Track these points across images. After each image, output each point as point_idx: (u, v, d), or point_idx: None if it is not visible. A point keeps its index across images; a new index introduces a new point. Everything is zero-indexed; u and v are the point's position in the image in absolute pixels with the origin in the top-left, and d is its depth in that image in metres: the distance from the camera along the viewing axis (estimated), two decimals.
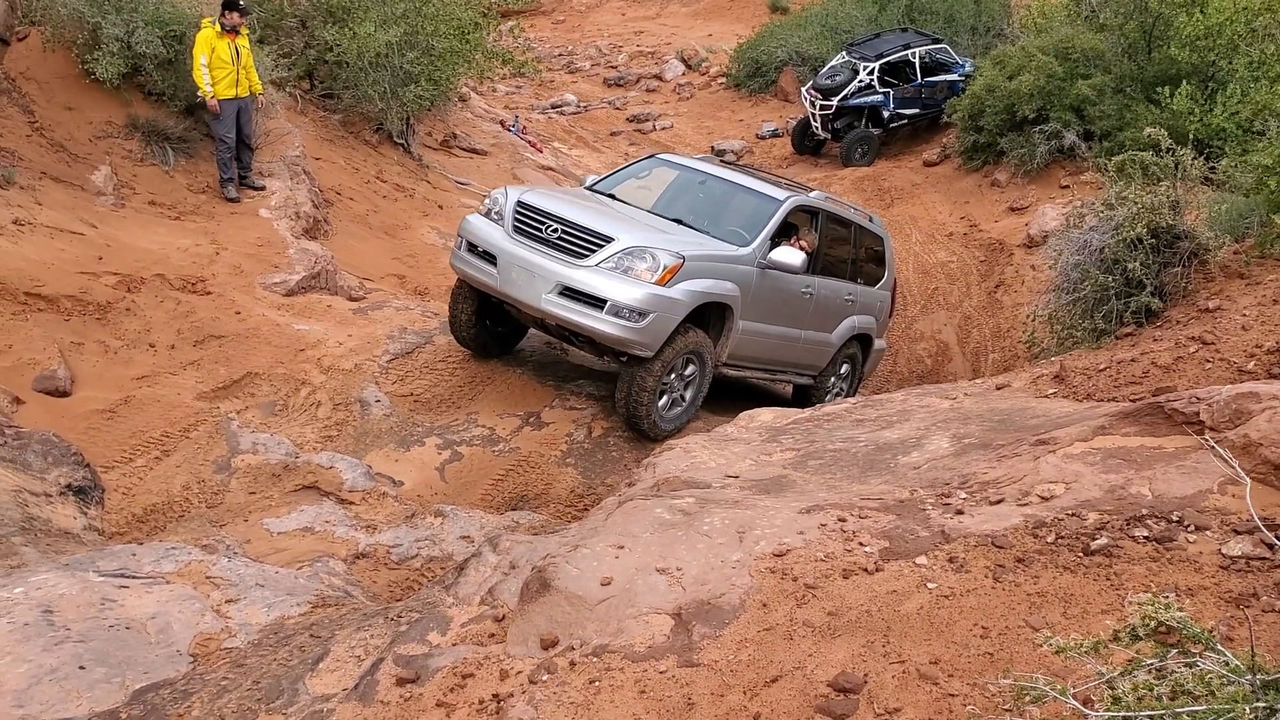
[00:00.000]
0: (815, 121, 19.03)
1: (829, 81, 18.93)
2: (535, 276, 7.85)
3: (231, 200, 10.95)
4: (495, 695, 3.73)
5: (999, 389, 6.07)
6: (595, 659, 3.69)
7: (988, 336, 12.99)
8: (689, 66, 25.83)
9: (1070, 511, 3.84)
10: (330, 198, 12.68)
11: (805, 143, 19.74)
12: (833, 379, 10.25)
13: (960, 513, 4.05)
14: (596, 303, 7.62)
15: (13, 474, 6.09)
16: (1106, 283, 6.82)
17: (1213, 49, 11.69)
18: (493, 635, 4.30)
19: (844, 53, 19.50)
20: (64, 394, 7.44)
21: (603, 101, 24.09)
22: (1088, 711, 2.23)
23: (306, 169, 12.24)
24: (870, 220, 10.43)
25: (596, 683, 3.55)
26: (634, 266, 7.68)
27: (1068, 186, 13.48)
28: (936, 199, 16.80)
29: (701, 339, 8.17)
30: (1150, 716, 2.05)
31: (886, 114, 18.60)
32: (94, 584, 4.97)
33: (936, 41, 19.30)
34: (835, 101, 18.56)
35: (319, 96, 14.58)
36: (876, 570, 3.77)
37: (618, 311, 7.58)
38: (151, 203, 10.37)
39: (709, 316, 8.34)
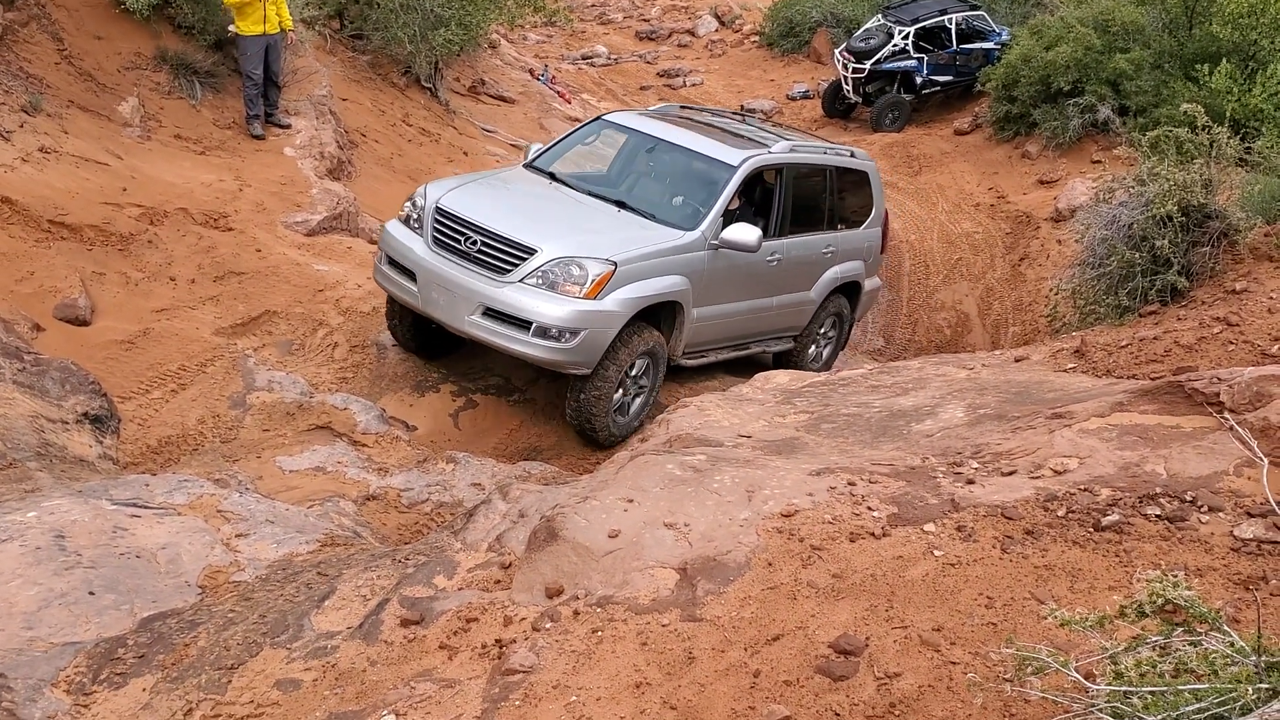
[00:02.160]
0: (847, 84, 18.82)
1: (863, 44, 18.70)
2: (456, 296, 7.19)
3: (257, 137, 10.91)
4: (498, 640, 3.76)
5: (1017, 361, 6.03)
6: (599, 609, 3.71)
7: (1009, 309, 12.89)
8: (722, 23, 25.56)
9: (1083, 486, 3.82)
10: (355, 139, 12.63)
11: (836, 105, 19.53)
12: (815, 341, 9.63)
13: (971, 482, 4.03)
14: (521, 324, 7.01)
15: (30, 399, 6.15)
16: (1133, 259, 6.75)
17: (1255, 27, 11.49)
18: (498, 582, 4.32)
19: (879, 16, 19.24)
20: (84, 323, 7.47)
21: (634, 55, 23.87)
22: (1089, 684, 2.22)
23: (333, 109, 12.18)
24: (851, 155, 9.56)
25: (599, 632, 3.56)
26: (560, 280, 7.02)
27: (1099, 161, 13.31)
28: (965, 168, 16.62)
29: (652, 338, 7.56)
30: (1152, 693, 2.04)
31: (919, 80, 18.37)
32: (106, 512, 5.02)
33: (974, 9, 19.02)
34: (868, 65, 18.34)
35: (348, 36, 14.48)
36: (883, 535, 3.76)
37: (544, 332, 6.96)
38: (177, 136, 10.34)
39: (660, 312, 7.69)
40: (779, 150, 8.59)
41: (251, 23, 10.61)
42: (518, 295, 7.03)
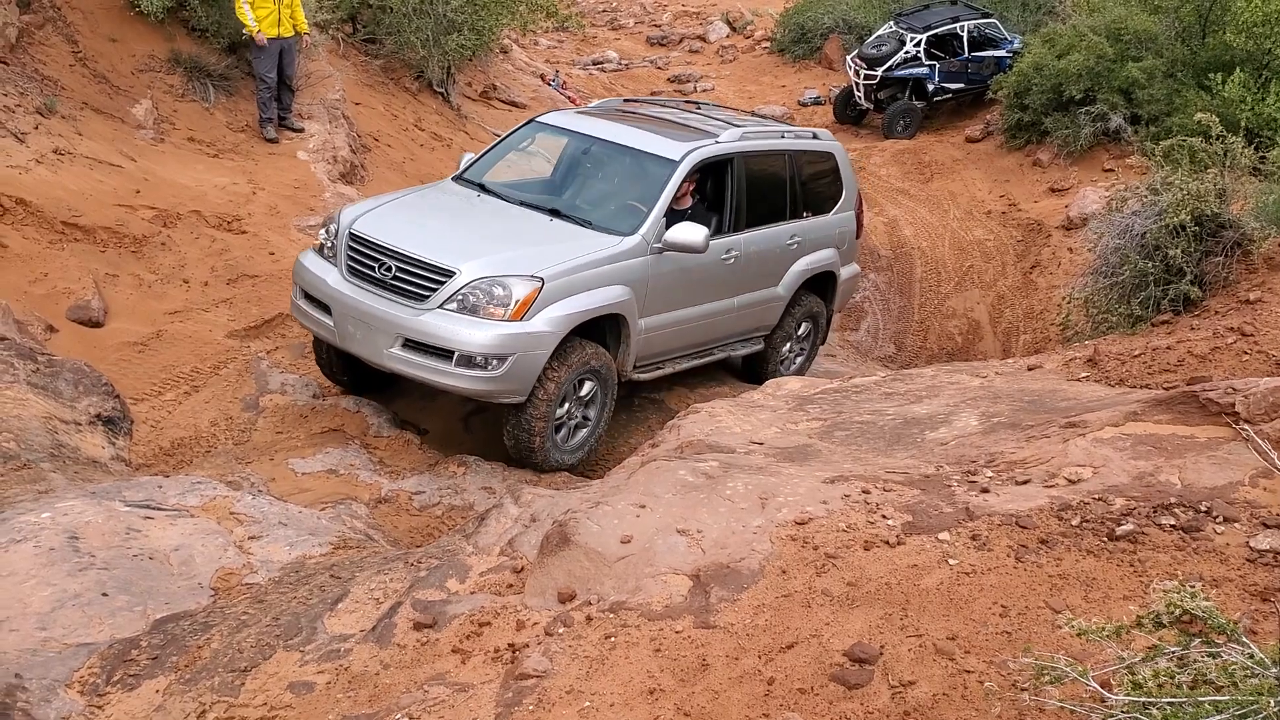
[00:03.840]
0: (858, 91, 18.82)
1: (874, 51, 18.69)
2: (373, 328, 6.69)
3: (270, 141, 10.97)
4: (511, 645, 3.76)
5: (1030, 369, 6.02)
6: (612, 615, 3.71)
7: (1020, 317, 12.87)
8: (733, 29, 25.58)
9: (1097, 496, 3.81)
10: (368, 143, 12.68)
11: (847, 112, 19.53)
12: (788, 345, 9.05)
13: (985, 491, 4.03)
14: (443, 354, 6.52)
15: (44, 400, 6.16)
16: (1146, 268, 6.74)
17: (1270, 36, 11.45)
18: (511, 586, 4.32)
19: (891, 23, 19.24)
20: (97, 324, 7.51)
21: (645, 60, 23.90)
22: (1107, 694, 2.22)
23: (346, 113, 12.23)
24: (814, 138, 9.03)
25: (612, 638, 3.56)
26: (482, 303, 6.52)
27: (1112, 170, 13.30)
28: (977, 176, 16.60)
29: (594, 354, 7.04)
30: (1170, 703, 2.04)
31: (931, 87, 18.35)
32: (120, 513, 5.02)
33: (986, 16, 19.01)
34: (880, 72, 18.33)
35: (361, 41, 14.54)
36: (898, 544, 3.76)
37: (469, 361, 6.47)
38: (191, 139, 10.40)
39: (603, 326, 7.18)
40: (728, 139, 7.97)
41: (266, 25, 10.65)
42: (437, 322, 6.53)
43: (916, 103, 18.52)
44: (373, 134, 12.95)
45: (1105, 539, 3.56)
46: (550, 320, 6.64)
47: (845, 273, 9.36)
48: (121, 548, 4.77)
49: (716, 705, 3.17)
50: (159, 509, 5.21)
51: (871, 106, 18.98)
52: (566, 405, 7.08)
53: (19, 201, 8.03)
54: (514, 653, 3.71)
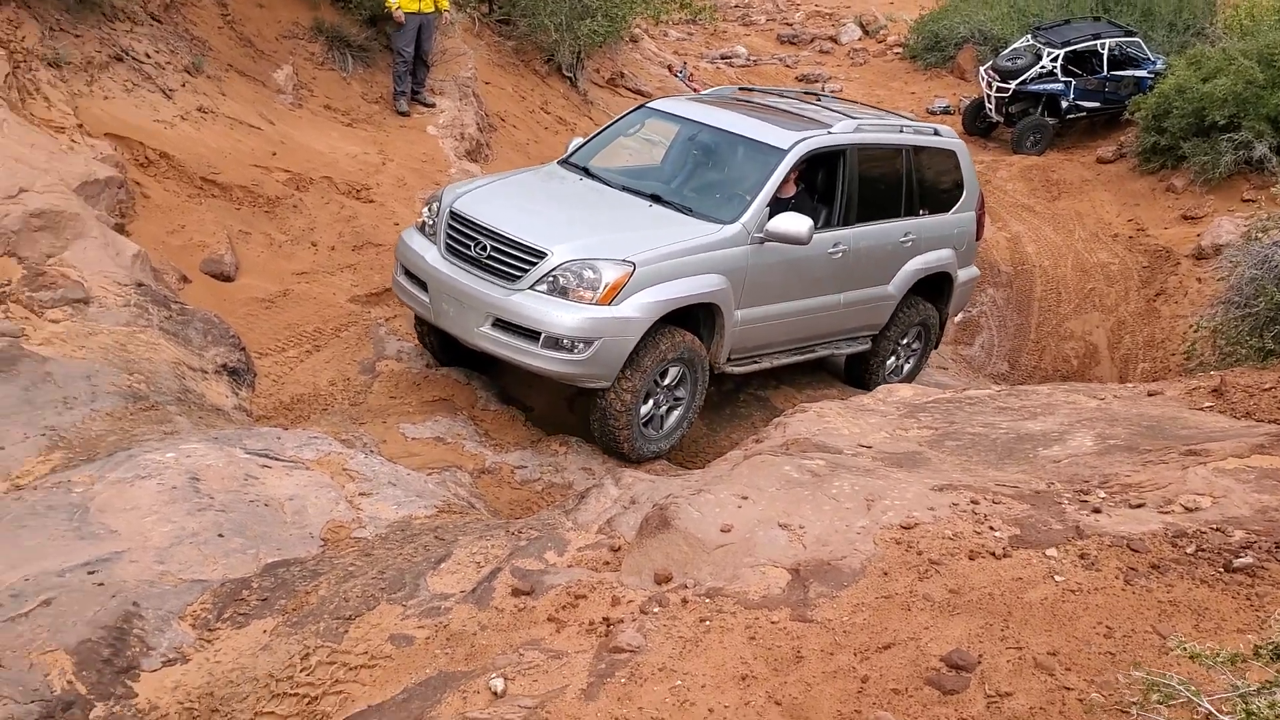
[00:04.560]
0: (989, 103, 18.45)
1: (1009, 64, 18.30)
2: (465, 306, 6.73)
3: (402, 114, 11.21)
4: (606, 619, 3.80)
5: (1150, 395, 5.86)
6: (708, 600, 3.73)
7: (1140, 345, 12.49)
8: (866, 32, 25.30)
9: (1215, 526, 3.70)
10: (494, 123, 12.88)
11: (976, 124, 19.16)
12: (897, 349, 8.79)
13: (1097, 511, 3.94)
14: (530, 335, 6.52)
15: (174, 347, 6.42)
16: None
17: None
18: (607, 563, 4.38)
19: (1029, 36, 18.81)
20: (228, 279, 7.78)
21: (774, 58, 23.79)
22: (1223, 717, 2.18)
23: (476, 92, 12.44)
24: (935, 134, 8.73)
25: (707, 622, 3.59)
26: (571, 285, 6.50)
27: (1252, 200, 12.82)
28: (1106, 198, 16.15)
29: (686, 343, 6.93)
30: None
31: (1065, 104, 17.90)
32: (239, 460, 5.21)
33: (1129, 34, 18.45)
34: (1013, 85, 17.94)
35: (496, 21, 14.77)
36: (1004, 556, 3.71)
37: (555, 343, 6.47)
38: (327, 107, 10.69)
39: (697, 315, 7.07)
40: (841, 130, 7.76)
41: (406, 2, 10.89)
42: (526, 303, 6.54)
43: (1049, 119, 18.08)
44: (499, 114, 13.15)
45: (1221, 569, 3.46)
46: (639, 306, 6.58)
47: (962, 275, 9.06)
48: (239, 492, 4.96)
49: (808, 697, 3.18)
50: (276, 459, 5.39)
51: (1002, 120, 18.59)
52: (654, 395, 7.02)
53: (163, 155, 8.37)
54: (608, 627, 3.76)
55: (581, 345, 6.47)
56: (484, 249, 6.76)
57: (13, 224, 6.17)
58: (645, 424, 7.08)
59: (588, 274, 6.51)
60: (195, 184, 8.37)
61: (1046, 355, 12.76)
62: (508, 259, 6.67)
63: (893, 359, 8.86)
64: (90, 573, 4.22)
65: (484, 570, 4.42)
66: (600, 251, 6.60)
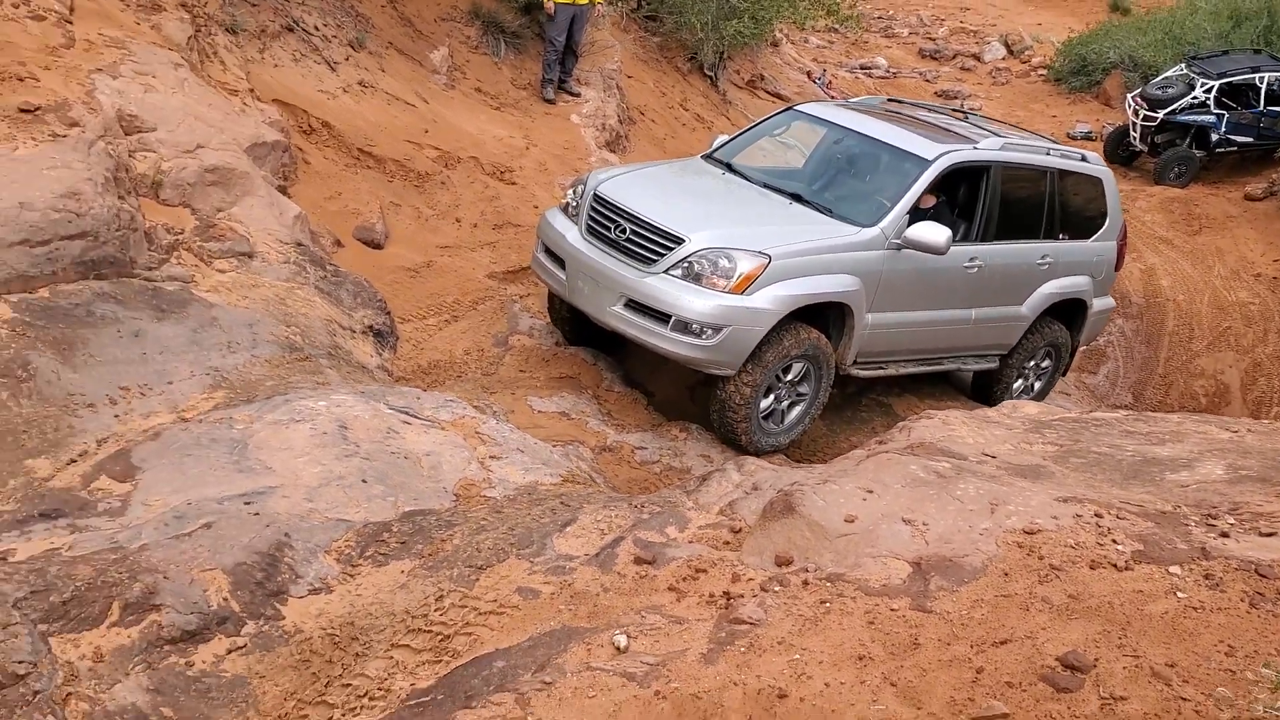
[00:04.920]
0: (1134, 131, 18.01)
1: (1159, 92, 17.83)
2: (600, 286, 6.95)
3: (548, 101, 11.52)
4: (726, 593, 3.94)
5: None
6: (829, 584, 3.84)
7: (1277, 389, 12.13)
8: (1010, 52, 24.89)
9: None
10: (634, 116, 13.12)
11: (1119, 151, 18.72)
12: (1025, 370, 8.76)
13: (1225, 535, 3.94)
14: (661, 317, 6.69)
15: (327, 305, 6.77)
16: None
17: None
18: (727, 543, 4.52)
19: (1183, 65, 18.29)
20: (378, 246, 8.14)
21: (913, 71, 23.59)
22: None
23: (620, 84, 12.70)
24: (1082, 160, 8.68)
25: (827, 604, 3.70)
26: (706, 272, 6.66)
27: None
28: (1251, 236, 15.66)
29: (814, 341, 7.03)
30: None
31: (1215, 137, 17.37)
32: (383, 414, 5.50)
33: None
34: (1161, 114, 17.48)
35: (643, 17, 15.01)
36: (1125, 569, 3.74)
37: (684, 327, 6.62)
38: (477, 89, 11.05)
39: (827, 313, 7.18)
40: (986, 146, 7.86)
41: None
42: (660, 285, 6.71)
43: (1196, 151, 17.58)
44: (639, 107, 13.39)
45: None
46: (771, 299, 6.69)
47: (1098, 304, 9.03)
48: (382, 444, 5.24)
49: (923, 681, 3.27)
50: (416, 417, 5.66)
51: (1146, 149, 18.14)
52: (776, 390, 7.10)
53: (324, 124, 8.78)
54: (728, 600, 3.90)
55: (710, 331, 6.61)
56: (623, 231, 6.95)
57: (189, 177, 6.58)
58: (765, 418, 7.18)
59: (723, 262, 6.66)
60: (352, 154, 8.76)
61: (1173, 391, 12.46)
62: (646, 243, 6.85)
63: (1021, 380, 8.83)
64: (247, 503, 4.52)
65: (607, 537, 4.60)
66: (737, 242, 6.75)
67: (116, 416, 4.97)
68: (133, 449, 4.72)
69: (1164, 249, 15.43)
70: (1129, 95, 18.85)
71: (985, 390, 8.67)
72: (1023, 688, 3.21)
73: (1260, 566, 3.68)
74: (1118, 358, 13.08)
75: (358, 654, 3.94)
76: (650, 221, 6.88)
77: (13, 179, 5.45)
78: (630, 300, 6.82)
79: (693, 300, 6.62)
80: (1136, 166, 18.72)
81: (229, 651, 3.89)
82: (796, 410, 7.36)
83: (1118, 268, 9.26)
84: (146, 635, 3.80)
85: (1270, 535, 3.96)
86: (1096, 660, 3.28)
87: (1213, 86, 17.27)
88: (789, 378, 7.16)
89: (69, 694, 3.53)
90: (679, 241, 6.74)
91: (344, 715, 3.63)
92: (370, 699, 3.69)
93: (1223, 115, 17.29)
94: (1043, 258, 8.31)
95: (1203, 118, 17.38)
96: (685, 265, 6.71)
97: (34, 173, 5.55)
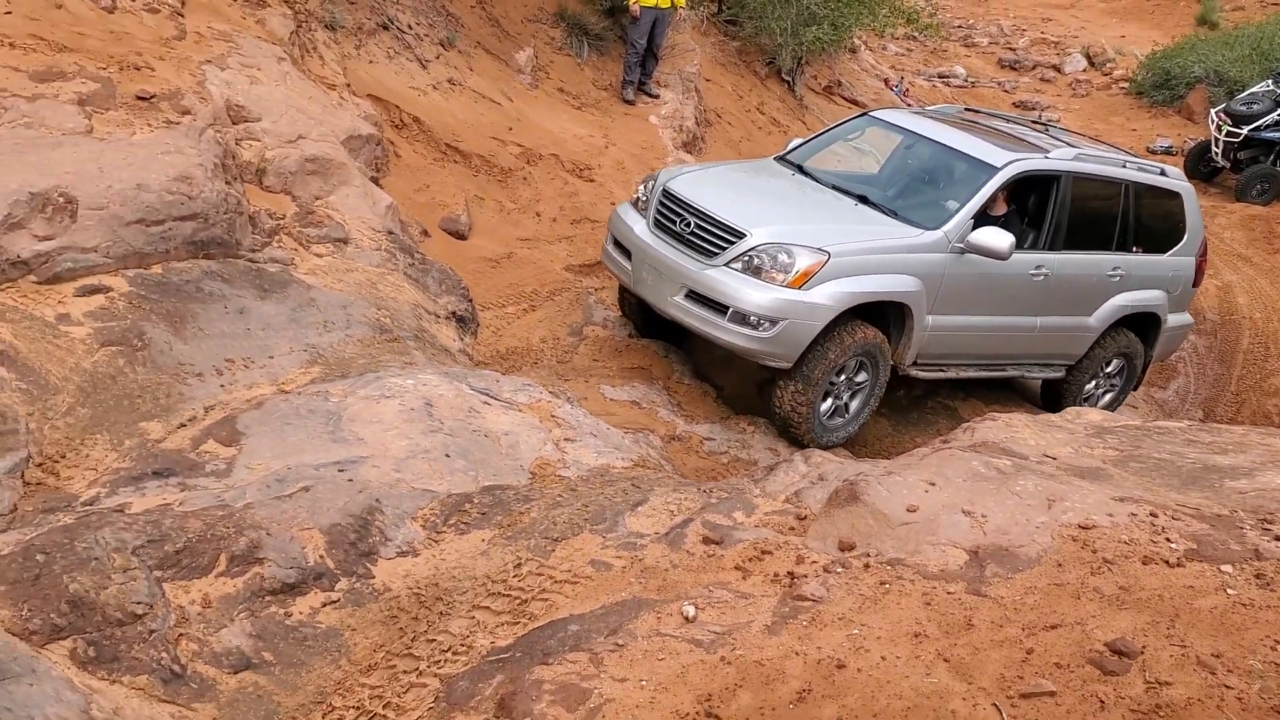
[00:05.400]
0: (1216, 147, 17.83)
1: (1244, 108, 17.64)
2: (663, 276, 7.20)
3: (628, 102, 11.79)
4: (790, 574, 4.15)
5: None
6: (889, 567, 4.03)
7: None
8: (1092, 64, 24.70)
9: None
10: (711, 118, 13.34)
11: (1200, 167, 18.53)
12: (1094, 378, 8.80)
13: (1279, 539, 4.06)
14: (719, 308, 6.91)
15: (414, 291, 7.09)
16: None
17: None
18: (793, 529, 4.72)
19: (1270, 81, 18.07)
20: (462, 237, 8.47)
21: (992, 81, 23.52)
22: None
23: (698, 87, 12.93)
24: (1162, 174, 8.70)
25: (886, 585, 3.90)
26: (765, 266, 6.83)
27: None
28: None
29: (873, 339, 7.22)
30: None
31: None
32: (466, 394, 5.78)
33: None
34: (1245, 130, 17.30)
35: (723, 21, 15.23)
36: (1177, 565, 3.88)
37: (742, 319, 6.81)
38: (560, 89, 11.35)
39: (888, 313, 7.36)
40: (1058, 156, 7.95)
41: None
42: (720, 278, 6.90)
43: (1279, 169, 17.37)
44: (716, 110, 13.61)
45: None
46: (829, 295, 6.84)
47: (1173, 320, 9.02)
48: (464, 422, 5.52)
49: (975, 659, 3.46)
50: (495, 399, 5.94)
51: (1228, 165, 17.95)
52: (836, 386, 7.27)
53: (415, 119, 9.13)
54: (792, 580, 4.10)
55: (767, 324, 6.81)
56: (688, 225, 7.18)
57: (291, 165, 6.94)
58: (824, 415, 7.37)
59: (782, 257, 6.84)
60: (440, 149, 9.10)
61: (1245, 409, 12.36)
62: (709, 236, 7.07)
63: (1090, 384, 8.86)
64: (340, 470, 4.82)
65: (677, 518, 4.84)
66: (798, 239, 6.93)
67: (222, 386, 5.30)
68: (237, 416, 5.05)
69: (1242, 266, 15.27)
70: (1212, 110, 18.66)
71: (1054, 399, 8.72)
72: (1070, 669, 3.38)
73: None
74: (1189, 374, 13.00)
75: (441, 613, 4.21)
76: (713, 215, 7.08)
77: (130, 162, 5.83)
78: (691, 291, 7.03)
79: (751, 293, 6.80)
80: (1218, 183, 18.53)
81: (324, 604, 4.18)
82: (854, 404, 7.54)
83: (1196, 284, 9.23)
84: (250, 585, 4.10)
85: None
86: (1144, 648, 3.43)
87: None
88: (847, 374, 7.33)
89: (180, 635, 3.84)
90: (740, 236, 6.94)
91: (429, 667, 3.89)
92: (454, 653, 3.95)
93: None
94: (1114, 269, 8.36)
95: None
96: (745, 259, 6.90)
97: (150, 157, 5.93)
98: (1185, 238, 8.86)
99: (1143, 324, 8.85)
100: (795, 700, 3.35)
